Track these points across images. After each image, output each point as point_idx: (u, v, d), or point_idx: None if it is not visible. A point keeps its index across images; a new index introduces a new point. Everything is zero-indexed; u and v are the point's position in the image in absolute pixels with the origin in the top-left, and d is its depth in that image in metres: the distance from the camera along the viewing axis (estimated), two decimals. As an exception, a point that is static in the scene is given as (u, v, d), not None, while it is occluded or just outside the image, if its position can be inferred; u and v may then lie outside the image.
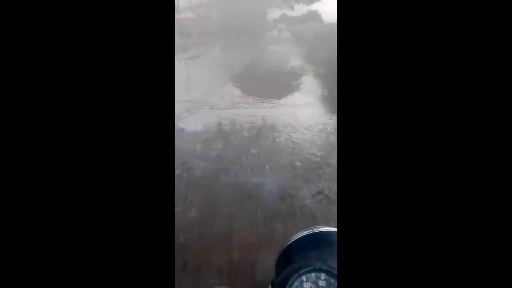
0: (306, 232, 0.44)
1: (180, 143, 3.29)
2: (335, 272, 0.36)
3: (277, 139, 3.49)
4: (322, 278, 0.36)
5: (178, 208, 2.18)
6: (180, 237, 1.89)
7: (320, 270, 0.36)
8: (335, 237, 0.42)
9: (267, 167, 2.89)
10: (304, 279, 0.36)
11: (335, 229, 0.44)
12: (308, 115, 4.27)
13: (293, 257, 0.43)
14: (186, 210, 2.21)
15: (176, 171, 2.67)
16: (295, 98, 4.89)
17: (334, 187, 2.43)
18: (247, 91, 5.21)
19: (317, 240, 0.43)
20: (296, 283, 0.36)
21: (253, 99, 4.84)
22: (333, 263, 0.36)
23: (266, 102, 4.73)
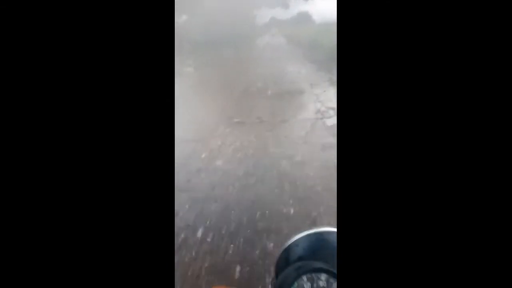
0: (306, 233, 0.44)
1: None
2: (335, 272, 0.36)
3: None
4: (322, 278, 0.36)
5: None
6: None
7: (320, 270, 0.36)
8: (335, 237, 0.42)
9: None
10: (304, 279, 0.36)
11: (335, 229, 0.44)
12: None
13: (293, 257, 0.43)
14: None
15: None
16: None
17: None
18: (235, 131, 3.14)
19: (317, 240, 0.43)
20: (296, 283, 0.36)
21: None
22: (333, 263, 0.36)
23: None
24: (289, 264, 0.40)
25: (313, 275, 0.36)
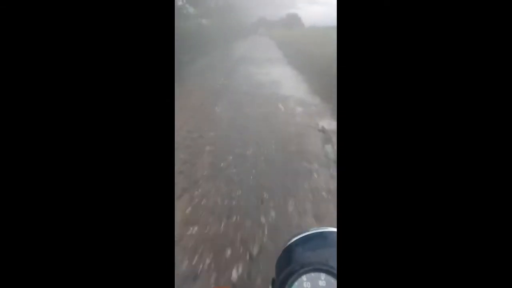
0: (307, 232, 0.44)
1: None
2: (335, 272, 0.36)
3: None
4: (322, 278, 0.36)
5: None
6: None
7: (320, 270, 0.36)
8: (335, 237, 0.42)
9: None
10: (304, 279, 0.36)
11: (335, 229, 0.44)
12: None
13: (294, 257, 0.43)
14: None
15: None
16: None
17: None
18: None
19: (317, 240, 0.43)
20: (296, 283, 0.36)
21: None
22: (333, 263, 0.36)
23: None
24: (289, 264, 0.40)
25: (313, 275, 0.36)
